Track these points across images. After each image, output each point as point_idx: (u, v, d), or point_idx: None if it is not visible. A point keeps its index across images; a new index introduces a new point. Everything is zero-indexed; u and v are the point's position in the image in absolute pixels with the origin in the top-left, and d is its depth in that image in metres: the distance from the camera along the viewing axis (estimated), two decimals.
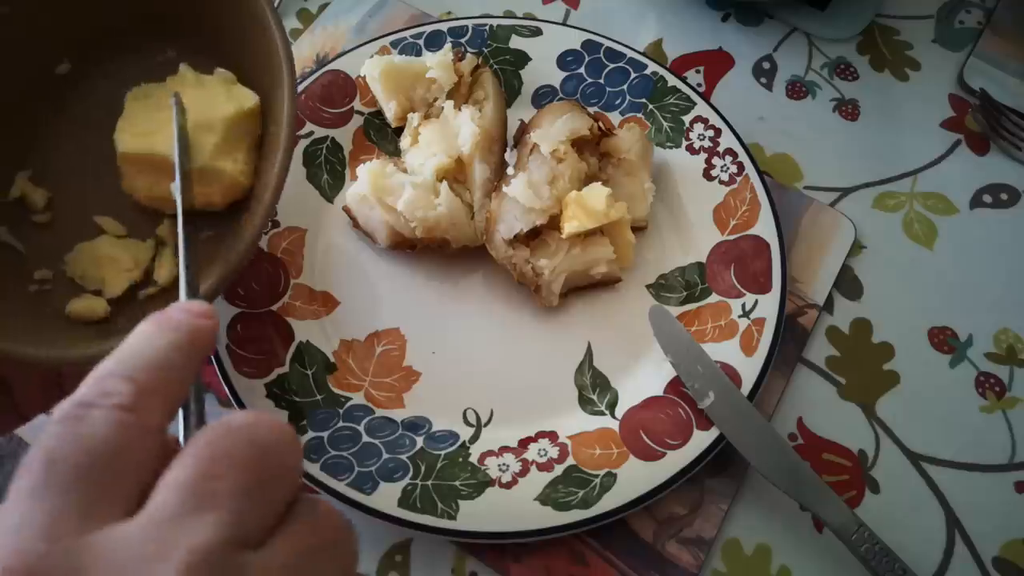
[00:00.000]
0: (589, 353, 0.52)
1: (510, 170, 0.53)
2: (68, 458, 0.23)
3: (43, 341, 0.41)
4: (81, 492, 0.22)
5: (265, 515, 0.24)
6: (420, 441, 0.49)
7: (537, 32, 0.61)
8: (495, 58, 0.61)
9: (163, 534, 0.22)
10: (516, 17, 0.65)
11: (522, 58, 0.61)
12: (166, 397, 0.25)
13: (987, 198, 0.60)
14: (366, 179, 0.52)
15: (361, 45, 0.60)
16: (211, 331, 0.28)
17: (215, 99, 0.45)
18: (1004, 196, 0.60)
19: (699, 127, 0.58)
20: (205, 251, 0.45)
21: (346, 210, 0.55)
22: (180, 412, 0.28)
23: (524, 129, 0.55)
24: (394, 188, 0.52)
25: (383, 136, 0.59)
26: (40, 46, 0.48)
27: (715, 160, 0.56)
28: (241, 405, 0.48)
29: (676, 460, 0.47)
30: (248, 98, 0.45)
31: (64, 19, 0.48)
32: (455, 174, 0.54)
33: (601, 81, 0.60)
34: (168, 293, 0.46)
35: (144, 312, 0.43)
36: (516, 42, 0.61)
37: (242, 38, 0.46)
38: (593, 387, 0.51)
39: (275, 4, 0.44)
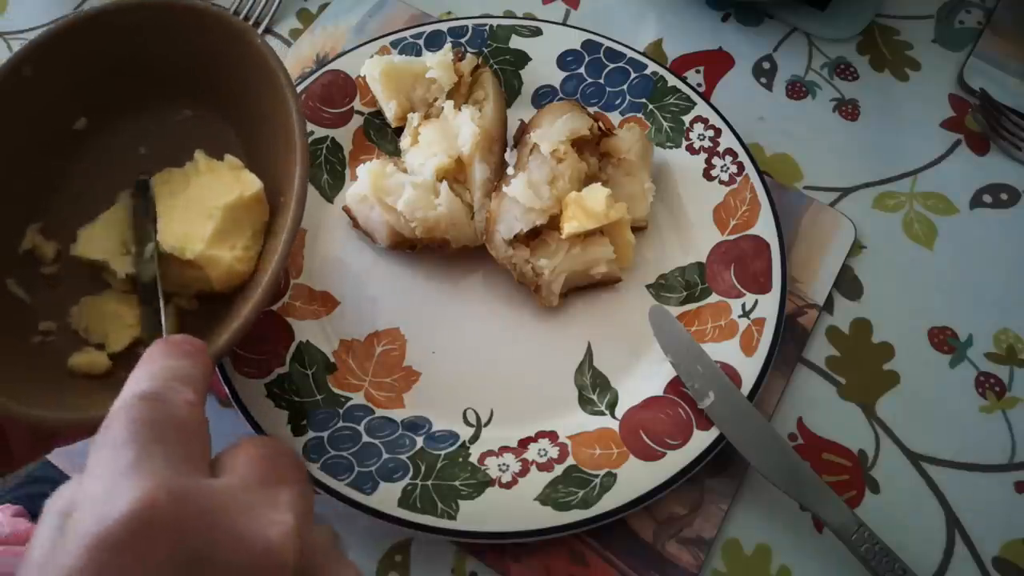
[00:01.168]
0: (589, 353, 0.52)
1: (510, 170, 0.53)
2: (163, 422, 0.26)
3: (44, 401, 0.41)
4: (180, 448, 0.26)
5: (311, 502, 0.29)
6: (420, 441, 0.49)
7: (537, 32, 0.61)
8: (495, 58, 0.61)
9: (262, 491, 0.26)
10: (516, 17, 0.65)
11: (522, 58, 0.61)
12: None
13: (987, 198, 0.60)
14: (366, 179, 0.52)
15: (361, 45, 0.60)
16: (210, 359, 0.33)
17: (220, 185, 0.46)
18: (1004, 196, 0.60)
19: (699, 127, 0.58)
20: (202, 327, 0.45)
21: (346, 210, 0.55)
22: None
23: (524, 129, 0.55)
24: (394, 188, 0.52)
25: (383, 136, 0.59)
26: (59, 104, 0.49)
27: (715, 160, 0.56)
28: (241, 405, 0.48)
29: (676, 460, 0.47)
30: (251, 185, 0.46)
31: (84, 81, 0.49)
32: (455, 174, 0.54)
33: (601, 81, 0.60)
34: None
35: None
36: (516, 42, 0.61)
37: (259, 109, 0.46)
38: (593, 387, 0.51)
39: (297, 93, 0.46)
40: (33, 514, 0.65)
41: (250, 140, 0.49)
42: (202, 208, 0.45)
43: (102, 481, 0.24)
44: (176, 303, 0.47)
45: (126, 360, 0.45)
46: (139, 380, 0.28)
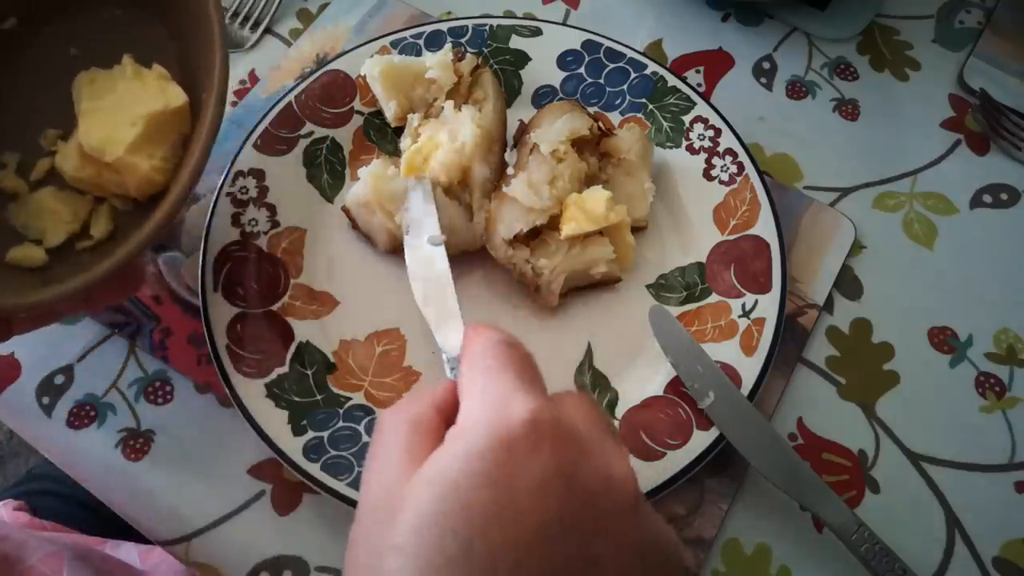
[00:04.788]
0: (589, 353, 0.52)
1: (510, 170, 0.53)
2: (524, 358, 0.32)
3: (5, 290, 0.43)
4: (540, 381, 0.32)
5: None
6: None
7: (537, 32, 0.61)
8: (495, 58, 0.61)
9: (601, 436, 0.31)
10: (516, 17, 0.65)
11: (522, 58, 0.61)
12: None
13: (987, 198, 0.60)
14: (368, 184, 0.52)
15: (361, 45, 0.60)
16: None
17: (146, 94, 0.46)
18: (1004, 196, 0.60)
19: (699, 127, 0.58)
20: (123, 230, 0.47)
21: (345, 211, 0.55)
22: None
23: (524, 129, 0.55)
24: (395, 193, 0.52)
25: (383, 136, 0.59)
26: None
27: (715, 160, 0.56)
28: (241, 405, 0.48)
29: (676, 460, 0.47)
30: (177, 97, 0.46)
31: None
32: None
33: (601, 81, 0.60)
34: (103, 246, 0.47)
35: (80, 262, 0.45)
36: (516, 42, 0.61)
37: (186, 17, 0.46)
38: (593, 387, 0.51)
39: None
40: (32, 509, 0.65)
41: (181, 42, 0.49)
42: (126, 114, 0.46)
43: (493, 398, 0.30)
44: (111, 203, 0.48)
45: (62, 254, 0.47)
46: (486, 330, 0.33)
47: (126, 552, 0.60)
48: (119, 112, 0.46)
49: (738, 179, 0.56)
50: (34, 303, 0.41)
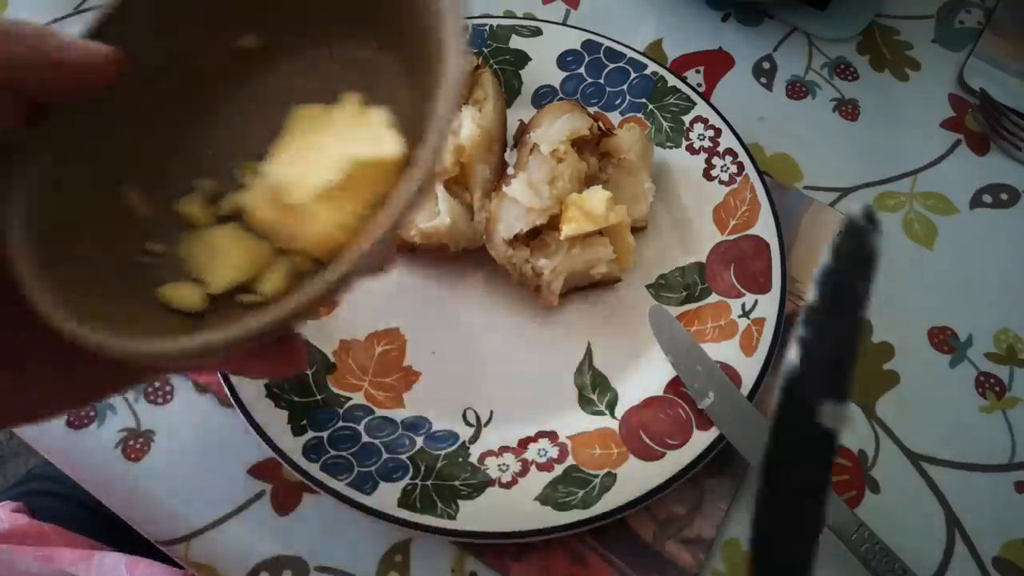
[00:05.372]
0: (589, 353, 0.52)
1: (510, 170, 0.53)
2: None
3: (133, 330, 0.34)
4: None
5: None
6: (420, 441, 0.49)
7: (537, 32, 0.61)
8: (495, 58, 0.61)
9: None
10: (516, 17, 0.65)
11: (522, 58, 0.61)
12: None
13: (987, 198, 0.60)
14: None
15: None
16: None
17: (360, 138, 0.40)
18: (1004, 196, 0.60)
19: (699, 127, 0.58)
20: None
21: None
22: None
23: (524, 129, 0.55)
24: None
25: None
26: (228, 19, 0.42)
27: (715, 160, 0.57)
28: (241, 405, 0.48)
29: (676, 460, 0.47)
30: (392, 148, 0.38)
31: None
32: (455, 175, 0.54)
33: (601, 81, 0.60)
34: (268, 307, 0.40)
35: (238, 318, 0.34)
36: (516, 42, 0.61)
37: (428, 72, 0.38)
38: (593, 387, 0.51)
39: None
40: (32, 510, 0.65)
41: (419, 94, 0.40)
42: (329, 156, 0.38)
43: None
44: (293, 259, 0.40)
45: (221, 303, 0.39)
46: None
47: (112, 564, 0.59)
48: (323, 152, 0.39)
49: (738, 179, 0.56)
50: (148, 353, 0.32)
